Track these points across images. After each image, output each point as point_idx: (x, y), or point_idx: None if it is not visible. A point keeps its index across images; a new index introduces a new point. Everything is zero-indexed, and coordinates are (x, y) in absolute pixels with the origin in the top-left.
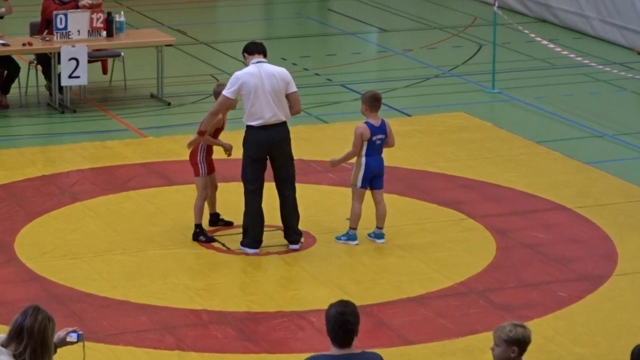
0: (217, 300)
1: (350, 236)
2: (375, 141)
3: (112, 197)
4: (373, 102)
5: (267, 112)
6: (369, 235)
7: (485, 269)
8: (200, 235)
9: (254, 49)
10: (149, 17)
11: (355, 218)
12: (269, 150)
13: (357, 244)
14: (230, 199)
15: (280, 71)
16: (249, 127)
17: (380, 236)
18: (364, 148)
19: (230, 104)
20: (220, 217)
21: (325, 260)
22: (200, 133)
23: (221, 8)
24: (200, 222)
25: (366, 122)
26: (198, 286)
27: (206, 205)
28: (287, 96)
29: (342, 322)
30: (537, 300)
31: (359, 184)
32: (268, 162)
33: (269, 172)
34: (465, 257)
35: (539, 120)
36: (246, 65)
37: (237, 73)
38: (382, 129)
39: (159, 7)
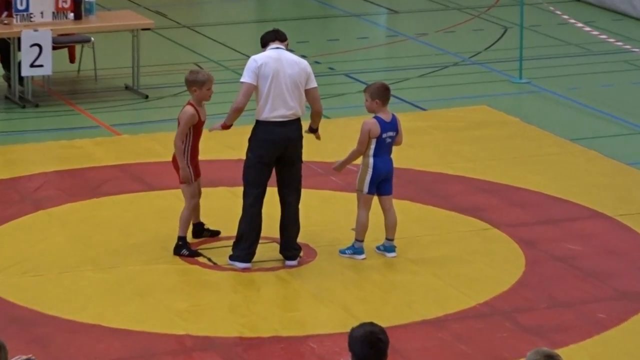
0: (202, 323)
1: (356, 249)
2: (385, 139)
3: (81, 204)
4: (384, 93)
5: (287, 102)
6: (378, 248)
7: (512, 286)
8: (182, 249)
9: (269, 37)
10: None
11: (361, 229)
12: (283, 151)
13: (364, 259)
14: (217, 206)
15: (302, 61)
16: (261, 123)
17: (390, 249)
18: (372, 147)
19: (249, 91)
20: (205, 227)
21: (327, 276)
22: (225, 127)
23: None
24: (184, 235)
25: (376, 117)
26: (181, 307)
27: None
28: (306, 92)
29: (374, 341)
30: (572, 322)
31: (366, 189)
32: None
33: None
34: (489, 272)
35: (573, 114)
36: None
37: (254, 56)
38: (393, 125)
39: None
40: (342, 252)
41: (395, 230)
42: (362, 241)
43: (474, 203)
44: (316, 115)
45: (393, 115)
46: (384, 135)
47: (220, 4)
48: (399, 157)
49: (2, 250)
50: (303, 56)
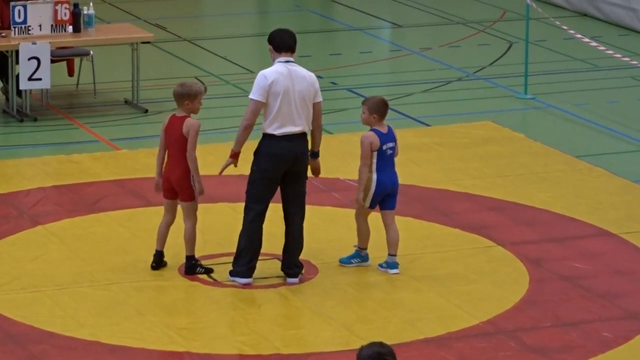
0: (202, 341)
1: (363, 257)
2: (386, 150)
3: (79, 220)
4: (383, 109)
5: (295, 120)
6: (380, 265)
7: (516, 304)
8: (197, 268)
9: (282, 45)
10: (123, 9)
11: (364, 237)
12: (290, 165)
13: (369, 265)
14: (218, 222)
15: (311, 76)
16: (268, 137)
17: (393, 265)
18: (374, 161)
19: (258, 109)
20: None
21: (329, 294)
22: (234, 155)
23: None
24: (194, 254)
25: (373, 130)
26: (180, 325)
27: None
28: (312, 106)
29: None
30: (577, 341)
31: (367, 203)
32: None
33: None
34: (493, 291)
35: (579, 131)
36: (272, 60)
37: (264, 71)
38: (391, 136)
39: None
40: (347, 262)
41: (397, 245)
42: (365, 249)
43: (479, 220)
44: (318, 130)
45: (389, 127)
46: (384, 147)
47: (220, 17)
48: (403, 173)
49: None
50: None
